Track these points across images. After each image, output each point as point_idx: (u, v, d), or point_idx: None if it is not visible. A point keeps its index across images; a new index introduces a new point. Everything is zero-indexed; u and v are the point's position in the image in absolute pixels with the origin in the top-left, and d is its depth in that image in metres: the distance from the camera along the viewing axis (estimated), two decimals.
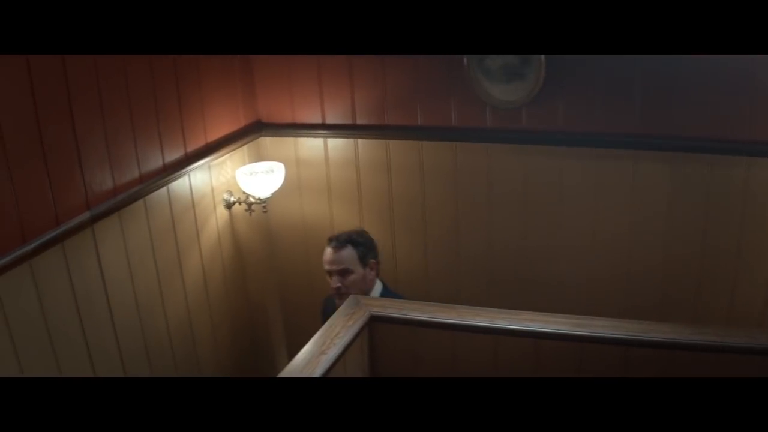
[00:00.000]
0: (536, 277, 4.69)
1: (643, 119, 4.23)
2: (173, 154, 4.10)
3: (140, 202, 3.86)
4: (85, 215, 3.47)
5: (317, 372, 3.35)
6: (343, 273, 4.26)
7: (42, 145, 3.24)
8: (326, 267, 4.30)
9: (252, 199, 4.59)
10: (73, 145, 3.42)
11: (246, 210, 4.65)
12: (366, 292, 4.31)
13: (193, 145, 4.27)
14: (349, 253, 4.28)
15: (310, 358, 3.46)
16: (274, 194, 4.61)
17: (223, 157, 4.52)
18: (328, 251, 4.29)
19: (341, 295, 4.22)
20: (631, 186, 4.30)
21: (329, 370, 3.40)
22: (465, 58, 4.36)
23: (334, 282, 4.26)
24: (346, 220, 4.93)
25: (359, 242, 4.32)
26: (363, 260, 4.31)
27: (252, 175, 4.50)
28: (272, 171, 4.55)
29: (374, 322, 3.81)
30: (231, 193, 4.61)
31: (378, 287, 4.41)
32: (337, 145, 4.83)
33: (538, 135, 4.45)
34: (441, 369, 3.76)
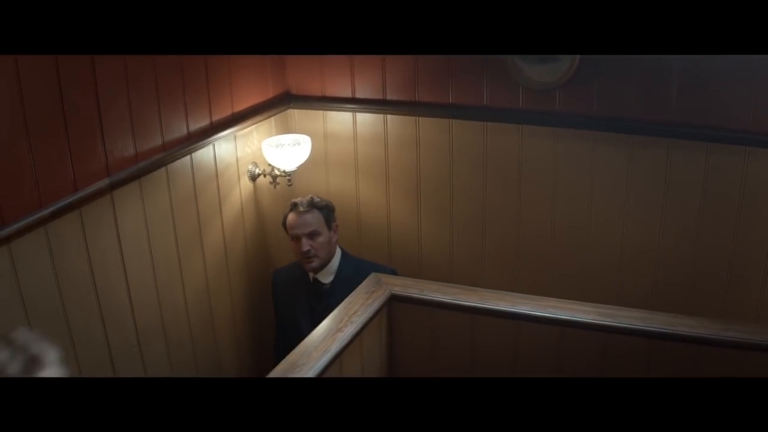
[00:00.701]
0: (565, 262, 4.63)
1: (679, 107, 4.13)
2: (198, 123, 4.06)
3: (162, 170, 3.83)
4: (105, 182, 3.44)
5: (333, 349, 3.36)
6: (312, 235, 4.32)
7: (63, 110, 3.21)
8: (294, 231, 4.34)
9: (277, 172, 4.56)
10: (95, 110, 3.39)
11: (271, 182, 4.62)
12: (331, 255, 4.42)
13: (219, 115, 4.23)
14: (315, 215, 4.35)
15: (326, 335, 3.47)
16: (299, 167, 4.58)
17: (250, 128, 4.48)
18: (293, 216, 4.35)
19: (310, 258, 4.32)
20: (664, 174, 4.21)
21: (345, 347, 3.42)
22: None
23: (304, 245, 4.29)
24: (372, 196, 4.93)
25: (322, 205, 4.39)
26: (328, 223, 4.39)
27: (278, 147, 4.46)
28: (299, 144, 4.51)
29: (394, 301, 3.82)
30: (256, 165, 4.57)
31: (338, 252, 4.49)
32: (366, 120, 4.79)
33: (571, 118, 4.37)
34: (460, 352, 3.78)
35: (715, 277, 4.25)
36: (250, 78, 4.49)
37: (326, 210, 4.41)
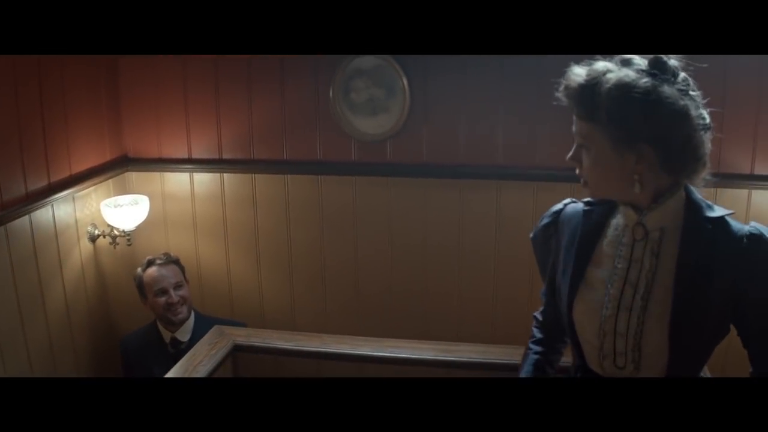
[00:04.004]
0: (404, 305, 4.80)
1: (505, 152, 4.41)
2: (36, 183, 4.08)
3: (1, 229, 3.81)
4: None
5: None
6: (178, 287, 4.40)
7: None
8: (160, 285, 4.36)
9: (116, 232, 4.58)
10: None
11: (110, 243, 4.63)
12: (191, 308, 4.48)
13: (57, 176, 4.25)
14: (174, 268, 4.45)
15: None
16: (138, 228, 4.62)
17: (88, 190, 4.51)
18: (154, 270, 4.39)
19: (179, 307, 4.36)
20: (495, 215, 4.47)
21: None
22: (330, 92, 4.52)
23: (173, 296, 4.34)
24: (211, 255, 4.99)
25: (177, 259, 4.51)
26: (185, 276, 4.50)
27: (116, 207, 4.49)
28: (137, 203, 4.57)
29: (238, 351, 3.86)
30: (95, 226, 4.58)
31: (191, 310, 4.53)
32: (203, 179, 4.88)
33: (402, 167, 4.60)
34: None
35: None
36: (87, 140, 4.53)
37: (180, 264, 4.50)
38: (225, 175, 4.85)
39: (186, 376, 3.54)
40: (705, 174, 2.14)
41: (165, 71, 4.78)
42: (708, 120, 2.08)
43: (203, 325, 4.33)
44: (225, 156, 4.83)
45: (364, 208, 4.74)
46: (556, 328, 2.54)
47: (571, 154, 2.24)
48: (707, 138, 2.10)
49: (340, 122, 4.58)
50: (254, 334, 4.00)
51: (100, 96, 4.69)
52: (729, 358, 2.79)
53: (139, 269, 4.46)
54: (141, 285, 4.45)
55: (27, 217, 4.00)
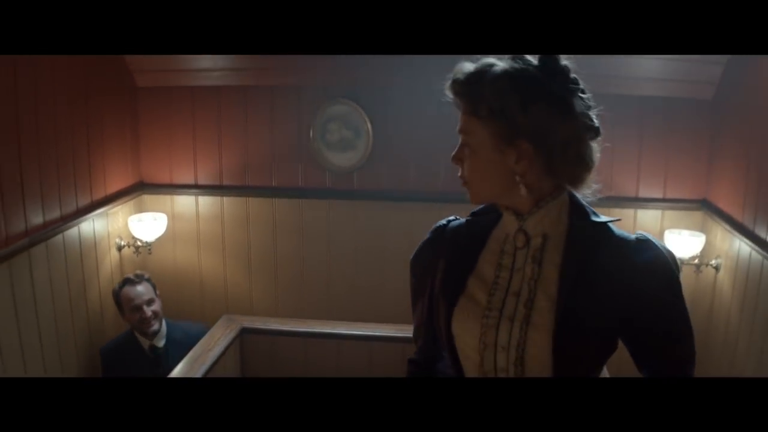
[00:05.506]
0: (366, 299, 5.59)
1: (445, 179, 5.28)
2: (83, 200, 4.82)
3: (59, 237, 4.52)
4: (25, 241, 4.15)
5: (206, 365, 4.21)
6: (150, 303, 4.74)
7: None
8: (134, 303, 4.70)
9: (139, 243, 5.29)
10: (18, 180, 4.10)
11: (134, 252, 5.34)
12: (161, 319, 4.85)
13: (98, 195, 5.01)
14: (147, 286, 4.81)
15: (200, 354, 4.33)
16: (157, 240, 5.34)
17: (116, 208, 5.28)
18: (129, 288, 4.74)
19: (152, 321, 4.72)
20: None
21: (213, 365, 4.28)
22: (311, 132, 5.38)
23: (146, 312, 4.69)
24: (212, 265, 5.77)
25: (148, 277, 4.87)
26: (156, 292, 4.86)
27: (140, 222, 5.24)
28: (156, 219, 5.34)
29: (244, 333, 4.71)
30: (121, 238, 5.37)
31: (162, 319, 4.90)
32: (206, 202, 5.72)
33: (366, 193, 5.47)
34: (296, 368, 4.67)
35: None
36: (116, 166, 5.24)
37: (152, 282, 4.87)
38: (224, 198, 5.68)
39: (208, 350, 4.38)
40: (591, 182, 1.96)
41: (177, 110, 5.60)
42: (596, 124, 1.92)
43: (174, 330, 4.86)
44: (225, 182, 5.67)
45: (335, 226, 5.59)
46: (435, 367, 2.28)
47: (454, 152, 2.00)
48: (595, 144, 1.94)
49: (317, 157, 5.45)
50: (257, 320, 4.93)
51: (125, 129, 5.44)
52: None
53: (117, 286, 4.82)
54: (119, 301, 4.79)
55: (76, 228, 4.72)
